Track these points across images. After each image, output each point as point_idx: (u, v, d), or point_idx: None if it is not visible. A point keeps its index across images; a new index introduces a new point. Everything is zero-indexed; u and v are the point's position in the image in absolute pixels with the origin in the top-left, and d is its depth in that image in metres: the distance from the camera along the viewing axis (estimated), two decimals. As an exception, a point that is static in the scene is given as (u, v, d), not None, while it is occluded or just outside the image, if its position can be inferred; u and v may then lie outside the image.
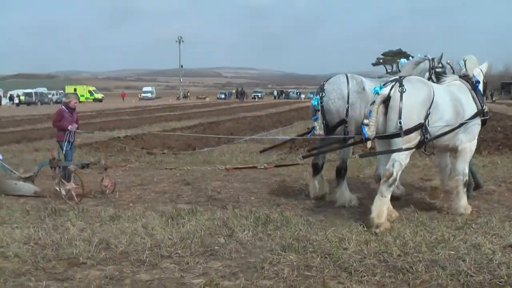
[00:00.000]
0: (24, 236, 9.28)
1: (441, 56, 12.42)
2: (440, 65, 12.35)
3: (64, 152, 14.29)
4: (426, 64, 12.42)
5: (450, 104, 10.35)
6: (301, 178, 14.77)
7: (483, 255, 7.91)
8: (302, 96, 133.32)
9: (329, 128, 11.68)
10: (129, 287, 7.05)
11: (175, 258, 8.10)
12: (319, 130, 11.68)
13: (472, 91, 11.14)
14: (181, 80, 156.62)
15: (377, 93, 9.94)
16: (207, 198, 12.57)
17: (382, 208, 9.63)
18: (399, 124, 9.72)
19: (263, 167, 16.05)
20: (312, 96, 12.28)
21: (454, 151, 11.05)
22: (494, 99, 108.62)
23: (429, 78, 11.90)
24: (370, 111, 9.79)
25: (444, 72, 11.97)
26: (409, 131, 9.77)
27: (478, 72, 11.85)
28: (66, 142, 14.00)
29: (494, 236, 8.86)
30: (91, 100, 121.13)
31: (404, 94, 9.75)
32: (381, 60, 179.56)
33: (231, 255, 8.18)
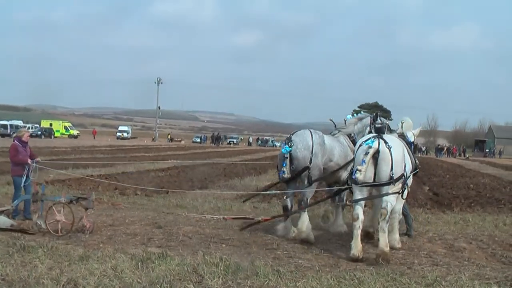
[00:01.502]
0: (-9, 272, 9.16)
1: (377, 115, 15.19)
2: (379, 121, 14.50)
3: (22, 186, 14.48)
4: (367, 120, 15.30)
5: (408, 157, 12.82)
6: (273, 228, 14.73)
7: (451, 313, 7.92)
8: (277, 144, 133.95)
9: (295, 173, 13.65)
10: (95, 330, 6.97)
11: (144, 303, 8.03)
12: (287, 174, 13.58)
13: (407, 148, 13.24)
14: (158, 121, 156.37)
15: (370, 147, 11.77)
16: (178, 243, 12.48)
17: (386, 240, 11.60)
18: (391, 175, 11.76)
19: (260, 219, 15.60)
20: (281, 145, 13.84)
21: (401, 195, 12.54)
22: (467, 156, 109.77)
23: (370, 132, 14.50)
24: (364, 160, 11.69)
25: (385, 127, 14.01)
26: (397, 180, 11.87)
27: (411, 135, 14.42)
28: (25, 177, 14.21)
29: (463, 295, 8.89)
30: (66, 136, 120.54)
31: (391, 150, 11.81)
32: (358, 112, 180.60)
33: (200, 302, 8.12)
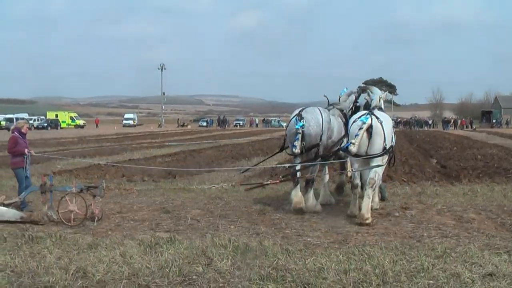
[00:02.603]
0: (0, 264, 9.17)
1: (359, 93, 16.21)
2: (363, 99, 15.84)
3: (22, 177, 14.62)
4: (353, 97, 16.12)
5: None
6: (281, 208, 14.73)
7: (462, 284, 7.90)
8: (283, 124, 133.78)
9: (306, 149, 14.22)
10: (106, 317, 6.96)
11: (153, 288, 8.03)
12: (298, 150, 14.01)
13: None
14: (163, 107, 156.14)
15: (364, 122, 12.93)
16: (186, 227, 12.48)
17: (368, 206, 12.74)
18: (384, 146, 13.16)
19: (268, 182, 15.90)
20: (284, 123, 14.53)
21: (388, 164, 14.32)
22: (474, 127, 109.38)
23: (353, 108, 15.80)
24: (357, 134, 12.85)
25: (368, 105, 14.98)
26: (387, 151, 13.35)
27: (378, 99, 14.93)
28: (26, 167, 14.37)
29: (473, 265, 8.86)
30: (73, 126, 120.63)
31: (383, 124, 13.14)
32: (359, 89, 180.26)
33: (209, 284, 8.11)
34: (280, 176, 16.62)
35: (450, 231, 11.72)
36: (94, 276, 8.46)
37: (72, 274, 8.50)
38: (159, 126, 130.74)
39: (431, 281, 8.03)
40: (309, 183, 14.57)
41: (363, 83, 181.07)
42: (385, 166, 14.03)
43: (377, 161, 13.17)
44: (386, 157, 13.63)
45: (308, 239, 11.14)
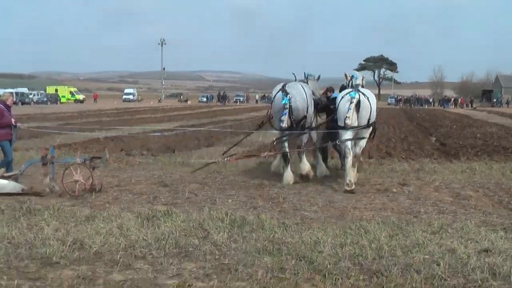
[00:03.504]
0: (-2, 235, 9.17)
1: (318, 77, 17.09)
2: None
3: (8, 149, 14.70)
4: (316, 83, 16.81)
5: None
6: (279, 182, 14.77)
7: (458, 259, 7.90)
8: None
9: (295, 123, 14.86)
10: (102, 287, 6.98)
11: (149, 259, 8.05)
12: (286, 124, 14.53)
13: None
14: (163, 82, 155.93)
15: (353, 97, 13.99)
16: (184, 200, 12.50)
17: (354, 174, 14.21)
18: (369, 119, 14.35)
19: (265, 155, 16.23)
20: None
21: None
22: (474, 106, 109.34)
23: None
24: (350, 108, 13.84)
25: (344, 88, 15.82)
26: (372, 124, 14.60)
27: (361, 78, 15.85)
28: (14, 138, 14.68)
29: (469, 241, 8.87)
30: (73, 101, 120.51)
31: (369, 99, 14.39)
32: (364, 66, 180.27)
33: (205, 256, 8.13)
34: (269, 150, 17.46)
35: (447, 208, 11.75)
36: (91, 247, 8.47)
37: (69, 245, 8.51)
38: (159, 101, 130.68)
39: (427, 256, 8.04)
40: (300, 154, 15.49)
41: (363, 61, 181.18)
42: (367, 139, 14.97)
43: (363, 133, 14.49)
44: (369, 130, 14.71)
45: (305, 213, 11.17)
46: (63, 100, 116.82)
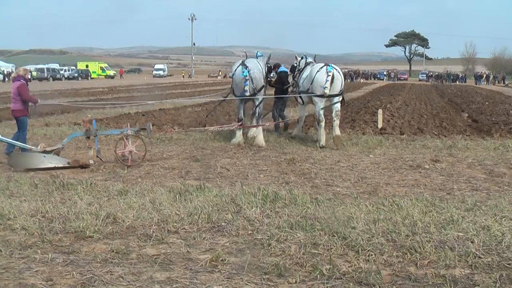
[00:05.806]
0: (32, 209, 9.23)
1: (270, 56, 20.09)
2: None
3: (26, 125, 14.96)
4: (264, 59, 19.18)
5: None
6: (311, 157, 14.75)
7: (492, 237, 7.82)
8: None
9: (256, 90, 17.62)
10: (135, 261, 6.99)
11: (182, 234, 8.07)
12: (249, 92, 17.43)
13: None
14: (193, 58, 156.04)
15: (330, 71, 17.06)
16: (215, 175, 12.52)
17: (338, 128, 17.33)
18: (341, 88, 17.48)
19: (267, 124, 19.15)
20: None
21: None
22: (506, 83, 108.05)
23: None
24: (327, 80, 16.93)
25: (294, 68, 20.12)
26: (342, 93, 17.59)
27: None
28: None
29: (503, 218, 8.76)
30: (103, 76, 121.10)
31: (339, 72, 17.75)
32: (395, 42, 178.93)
33: (238, 231, 8.13)
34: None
35: (480, 185, 11.63)
36: (124, 222, 8.53)
37: (102, 219, 8.57)
38: (189, 76, 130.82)
39: (461, 233, 7.97)
40: (259, 118, 18.00)
41: (394, 36, 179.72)
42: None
43: (337, 99, 17.41)
44: (340, 97, 17.57)
45: (338, 189, 11.12)
46: (93, 75, 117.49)
